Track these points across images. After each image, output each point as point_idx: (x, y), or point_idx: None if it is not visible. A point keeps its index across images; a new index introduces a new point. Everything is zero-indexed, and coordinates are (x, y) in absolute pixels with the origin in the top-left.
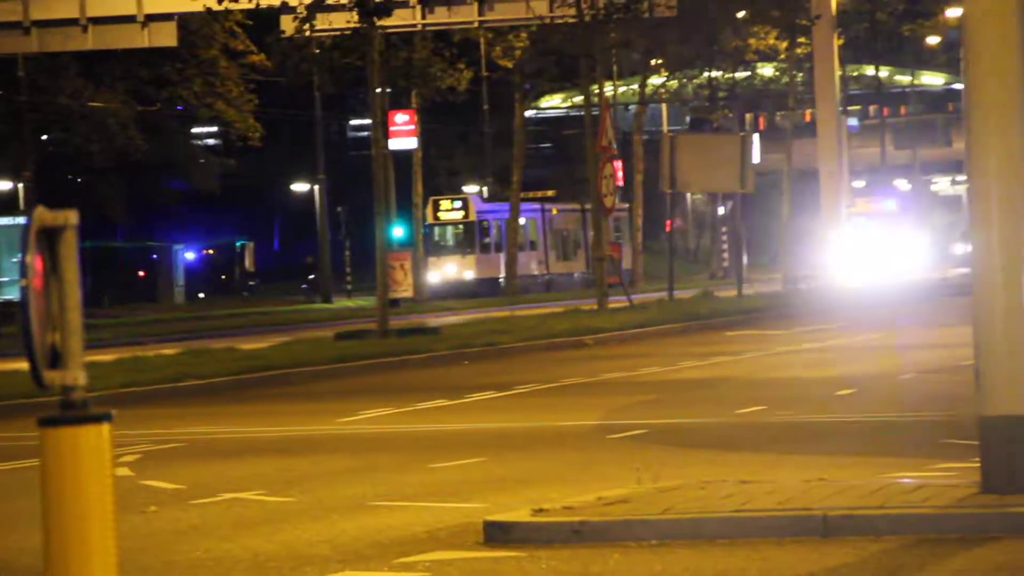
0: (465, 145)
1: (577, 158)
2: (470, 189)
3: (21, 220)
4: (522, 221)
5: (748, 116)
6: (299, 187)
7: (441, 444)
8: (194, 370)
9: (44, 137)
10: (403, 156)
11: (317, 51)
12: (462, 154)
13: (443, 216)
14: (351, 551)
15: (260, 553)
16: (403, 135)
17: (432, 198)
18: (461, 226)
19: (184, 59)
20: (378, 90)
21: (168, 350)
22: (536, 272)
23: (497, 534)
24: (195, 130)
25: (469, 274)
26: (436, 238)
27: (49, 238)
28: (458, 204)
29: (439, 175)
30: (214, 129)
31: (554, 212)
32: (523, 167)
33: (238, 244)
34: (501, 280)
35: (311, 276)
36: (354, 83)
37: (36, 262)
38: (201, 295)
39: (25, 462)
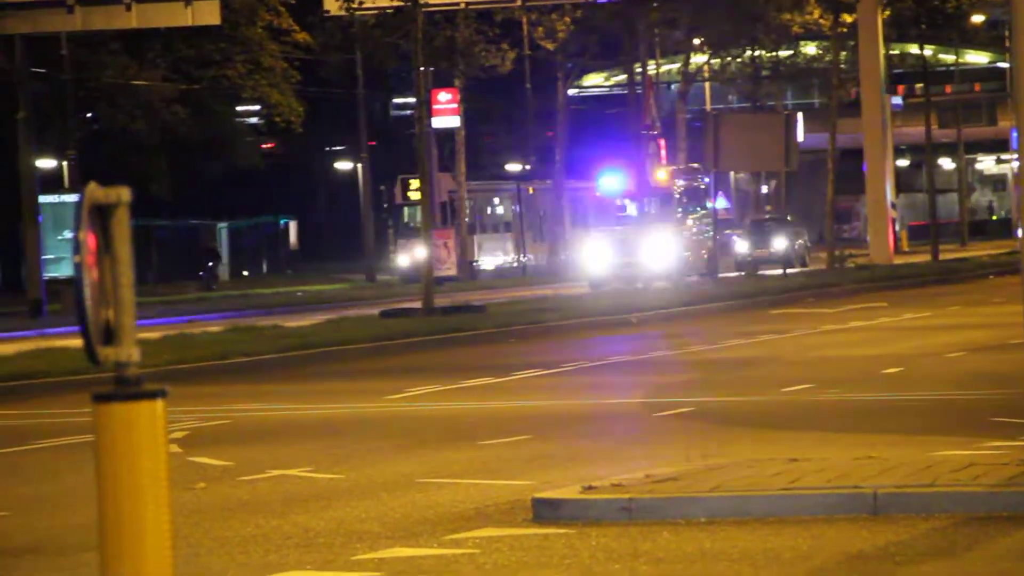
0: (508, 123)
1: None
2: (512, 167)
3: (66, 198)
4: (496, 200)
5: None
6: (342, 165)
7: (488, 422)
8: (240, 347)
9: (88, 115)
10: (447, 134)
11: (358, 30)
12: (505, 132)
13: (412, 196)
14: (401, 528)
15: (310, 529)
16: (446, 113)
17: (400, 176)
18: None
19: (227, 37)
20: (421, 69)
21: (214, 328)
22: (512, 256)
23: (546, 511)
24: (239, 108)
25: None
26: (406, 219)
27: (101, 215)
28: None
29: (483, 153)
30: (257, 108)
31: (530, 191)
32: (565, 145)
33: (282, 222)
34: (474, 264)
35: (210, 263)
36: (397, 61)
37: (89, 239)
38: (245, 272)
39: (72, 438)
